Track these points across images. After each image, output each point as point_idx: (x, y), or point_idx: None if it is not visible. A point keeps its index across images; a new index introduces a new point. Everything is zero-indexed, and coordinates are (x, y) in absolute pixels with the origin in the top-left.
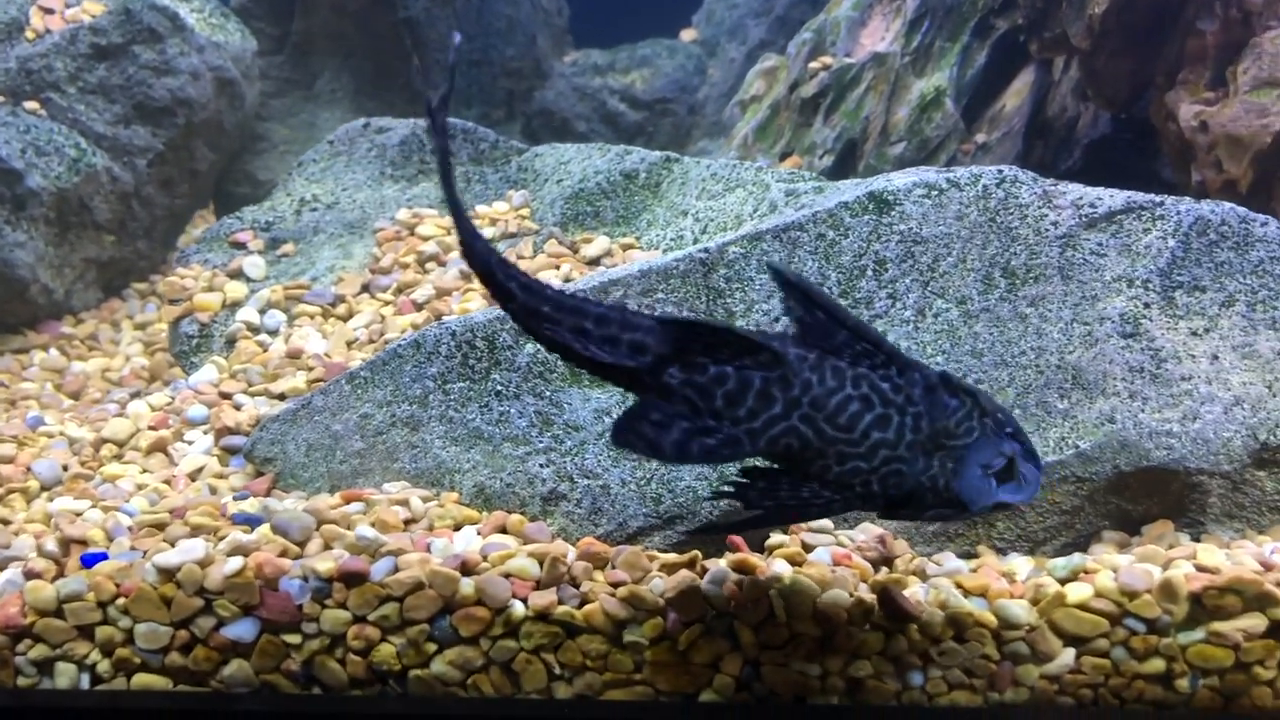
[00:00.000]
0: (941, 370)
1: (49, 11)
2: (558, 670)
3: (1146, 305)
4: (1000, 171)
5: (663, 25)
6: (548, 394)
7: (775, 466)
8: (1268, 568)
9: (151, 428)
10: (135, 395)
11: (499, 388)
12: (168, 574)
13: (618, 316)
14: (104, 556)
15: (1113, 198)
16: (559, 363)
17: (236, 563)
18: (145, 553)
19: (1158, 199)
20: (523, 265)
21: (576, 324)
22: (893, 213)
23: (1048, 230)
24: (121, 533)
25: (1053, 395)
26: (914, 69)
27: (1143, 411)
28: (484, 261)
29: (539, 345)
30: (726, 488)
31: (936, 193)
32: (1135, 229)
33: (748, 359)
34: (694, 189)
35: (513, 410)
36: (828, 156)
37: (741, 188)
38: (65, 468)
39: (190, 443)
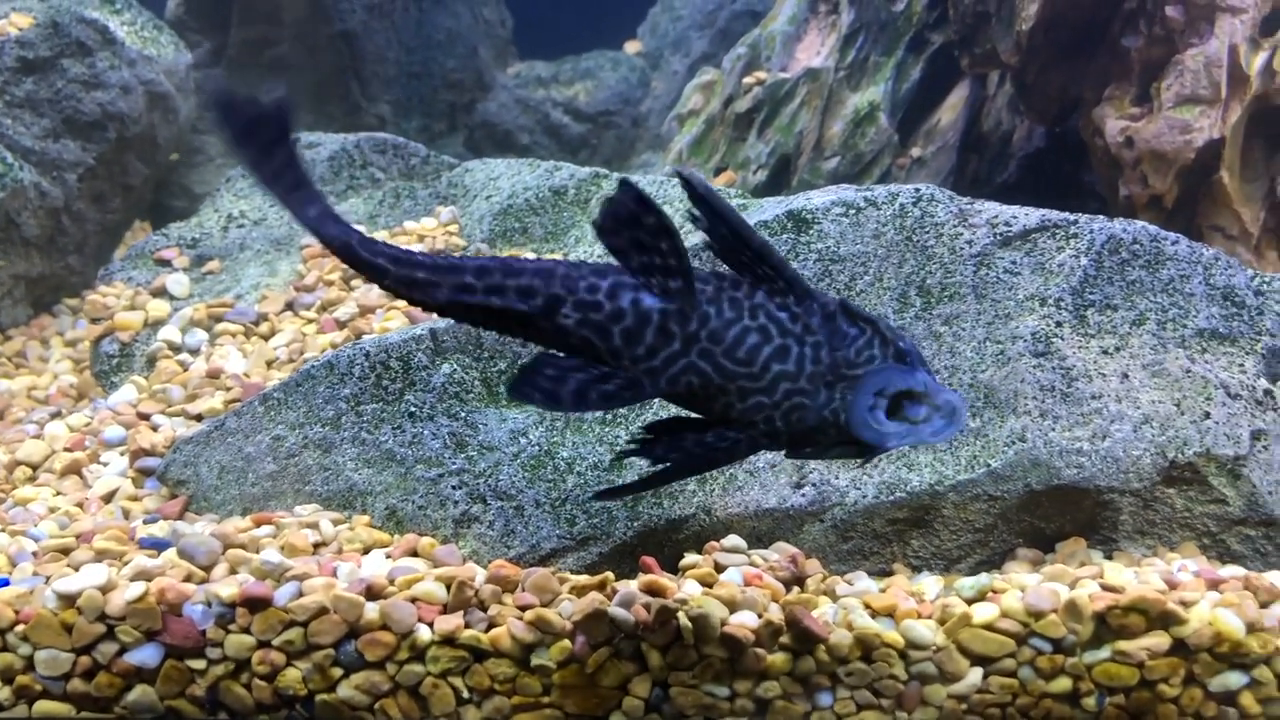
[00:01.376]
0: (841, 298)
1: None
2: (466, 694)
3: (1058, 324)
4: (917, 190)
5: (607, 37)
6: (462, 415)
7: (678, 418)
8: (1172, 586)
9: (67, 449)
10: (55, 415)
11: (413, 409)
12: (68, 600)
13: (498, 265)
14: (5, 583)
15: (1027, 216)
16: (475, 383)
17: (139, 588)
18: (48, 579)
19: (1071, 218)
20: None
21: (457, 281)
22: (811, 231)
23: (963, 249)
24: (25, 558)
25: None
26: (849, 83)
27: (1053, 430)
28: (343, 245)
29: (421, 308)
30: (631, 445)
31: (854, 211)
32: (1049, 247)
33: (660, 279)
34: None
35: (426, 431)
36: (761, 171)
37: (669, 205)
38: None
39: (105, 464)
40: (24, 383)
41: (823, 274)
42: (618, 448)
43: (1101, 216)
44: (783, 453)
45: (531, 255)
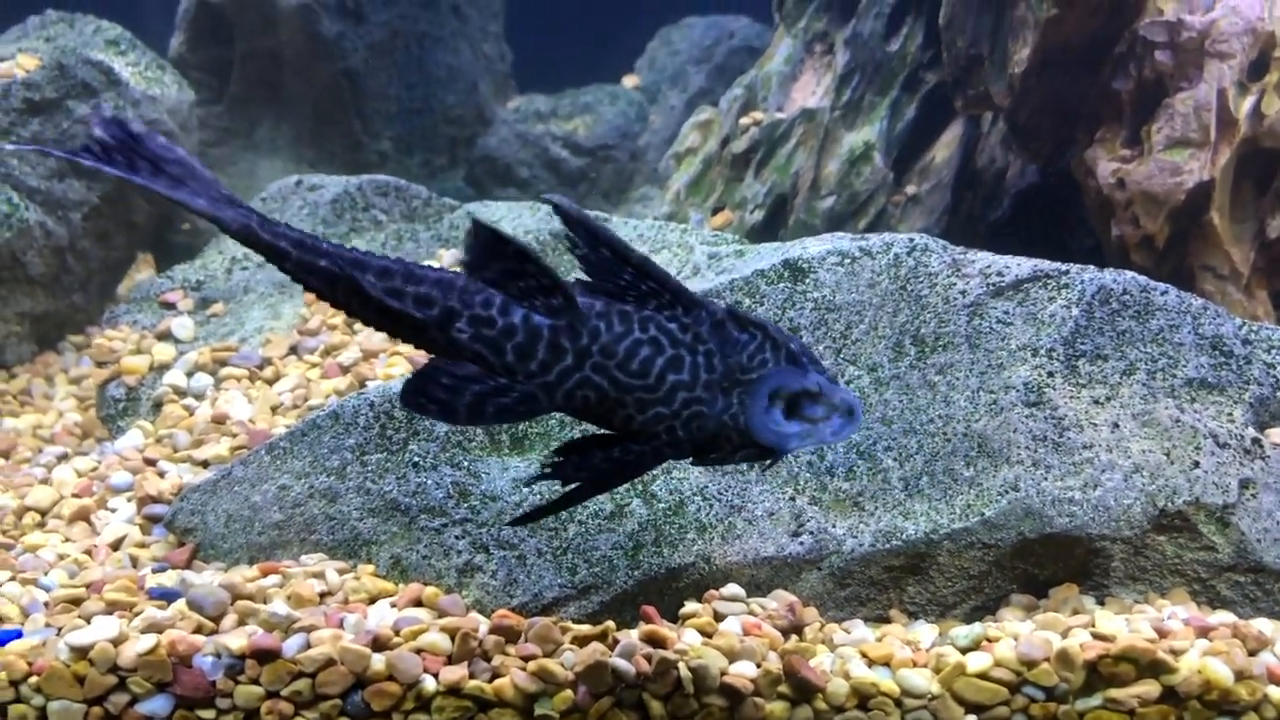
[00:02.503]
0: (729, 305)
1: None
2: None
3: (1050, 374)
4: (911, 240)
5: (605, 71)
6: (465, 464)
7: (586, 438)
8: (1163, 634)
9: (75, 495)
10: (63, 458)
11: (416, 459)
12: (81, 652)
13: (401, 269)
14: (18, 634)
15: (1020, 266)
16: (477, 433)
17: (150, 640)
18: (59, 630)
19: (1063, 268)
20: None
21: (358, 276)
22: (807, 280)
23: (956, 299)
24: (37, 609)
25: (959, 463)
26: (844, 123)
27: (1046, 479)
28: (242, 227)
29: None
30: (542, 470)
31: (850, 260)
32: (1041, 297)
33: (540, 298)
34: None
35: (430, 481)
36: (759, 211)
37: (667, 249)
38: None
39: (113, 510)
40: (29, 421)
41: (819, 322)
42: (617, 495)
43: (1092, 267)
44: (690, 462)
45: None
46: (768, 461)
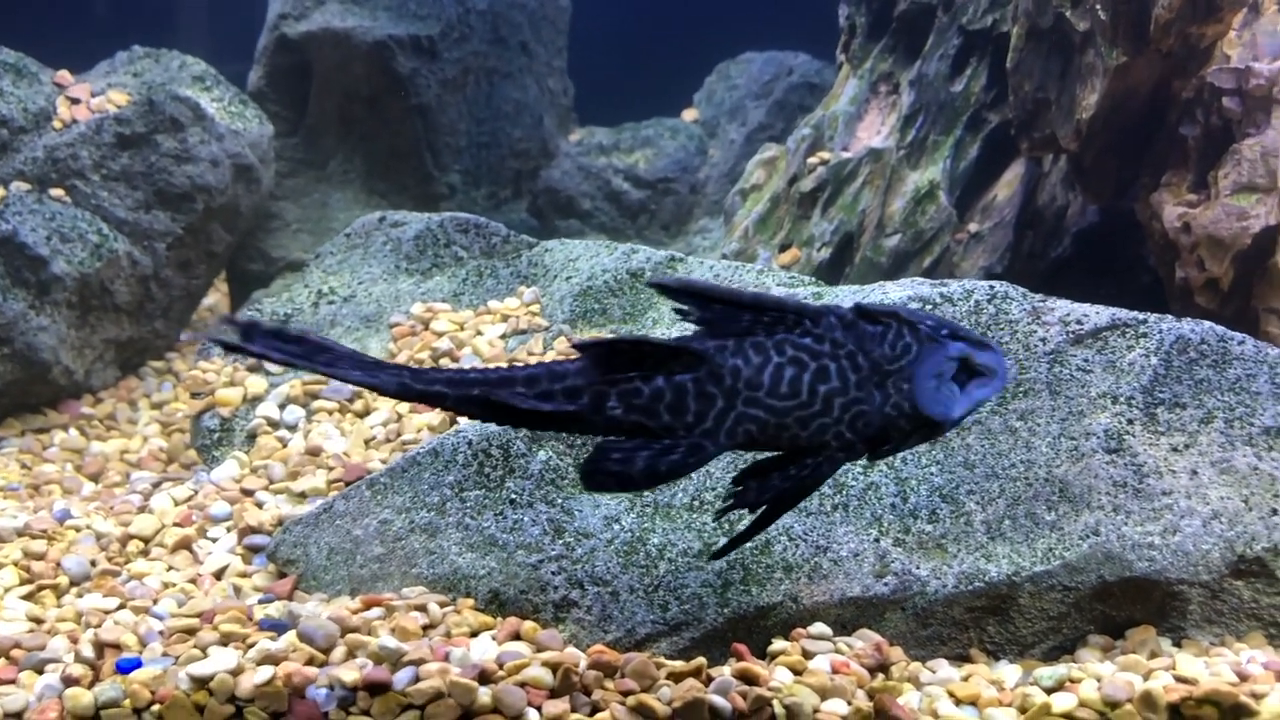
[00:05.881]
0: (856, 303)
1: (75, 101)
2: None
3: (1130, 421)
4: (992, 287)
5: (665, 104)
6: (559, 501)
7: (761, 462)
8: (1243, 678)
9: (177, 524)
10: (158, 485)
11: (513, 496)
12: (201, 682)
13: (543, 372)
14: (139, 663)
15: (1098, 315)
16: (570, 470)
17: (266, 672)
18: (178, 659)
19: (1141, 316)
20: (533, 361)
21: (510, 392)
22: None
23: (1036, 346)
24: (154, 638)
25: (1041, 507)
26: (909, 162)
27: (1126, 524)
28: (399, 385)
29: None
30: (727, 502)
31: (930, 306)
32: (1120, 346)
33: (672, 364)
34: None
35: (526, 518)
36: (825, 249)
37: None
38: (93, 563)
39: (214, 540)
40: (116, 445)
41: None
42: (705, 534)
43: (1170, 316)
44: (866, 460)
45: (609, 334)
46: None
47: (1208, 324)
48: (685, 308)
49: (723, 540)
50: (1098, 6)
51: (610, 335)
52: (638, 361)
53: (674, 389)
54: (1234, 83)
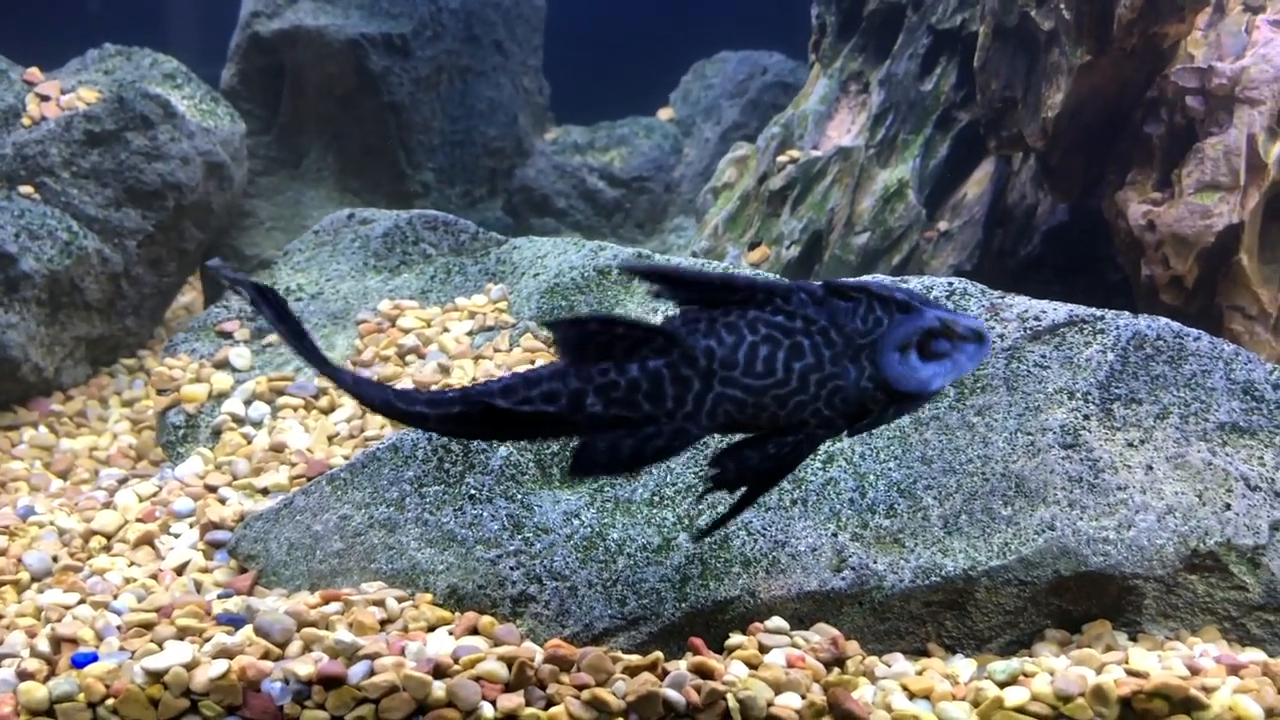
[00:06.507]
0: (825, 280)
1: (45, 99)
2: None
3: (1086, 417)
4: (950, 284)
5: (643, 103)
6: (519, 497)
7: (737, 442)
8: (1194, 671)
9: (140, 520)
10: (123, 482)
11: (473, 491)
12: (155, 676)
13: (518, 380)
14: (94, 657)
15: (1056, 311)
16: (530, 466)
17: (221, 666)
18: (134, 654)
19: (1098, 313)
20: (499, 359)
21: (488, 403)
22: None
23: (995, 342)
24: (111, 632)
25: (997, 502)
26: (878, 161)
27: (1081, 520)
28: (384, 402)
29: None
30: (707, 484)
31: None
32: (1077, 342)
33: (644, 348)
34: None
35: (485, 513)
36: (794, 247)
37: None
38: (55, 559)
39: (177, 536)
40: (85, 442)
41: None
42: (665, 529)
43: (1127, 313)
44: (846, 434)
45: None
46: (917, 408)
47: (1164, 320)
48: (659, 289)
49: (682, 536)
50: (1062, 6)
51: (581, 314)
52: (610, 345)
53: (650, 377)
54: (1197, 82)
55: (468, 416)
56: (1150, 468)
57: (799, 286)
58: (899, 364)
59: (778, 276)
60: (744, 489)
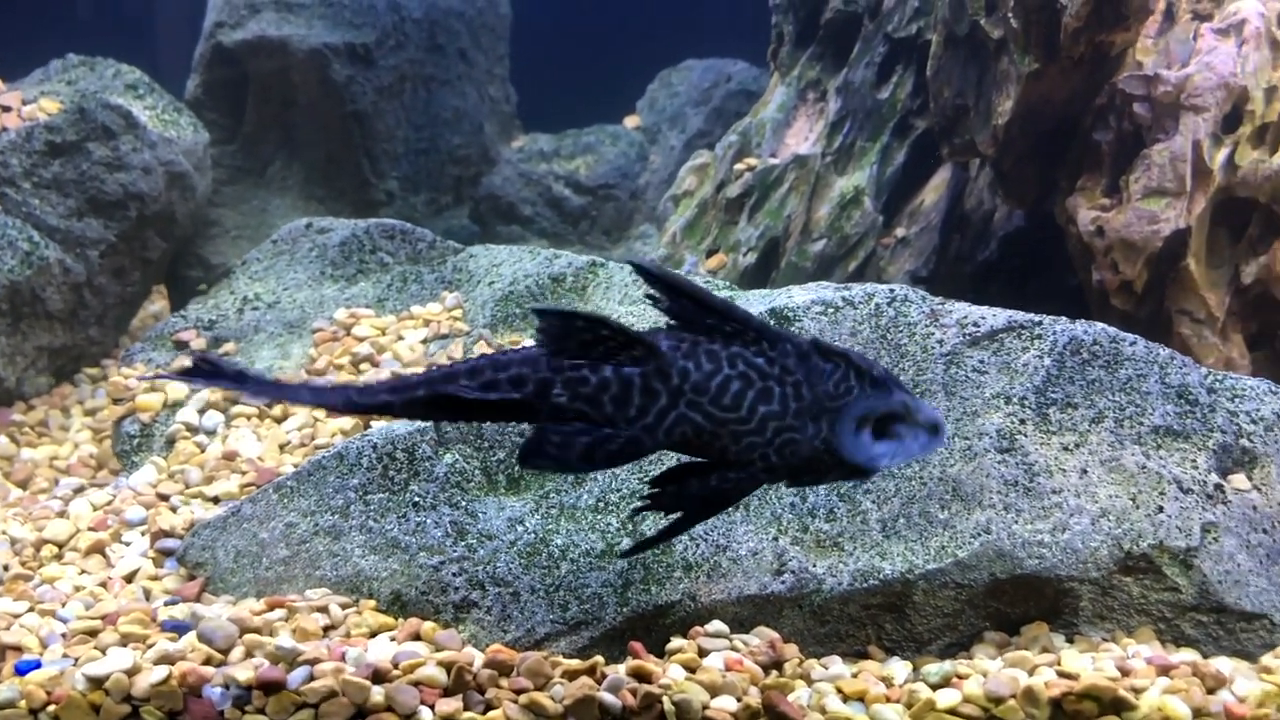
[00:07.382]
0: (813, 337)
1: (5, 109)
2: None
3: (1022, 421)
4: (892, 291)
5: (610, 111)
6: (464, 504)
7: (680, 467)
8: (1125, 673)
9: (91, 528)
10: (79, 491)
11: (417, 499)
12: (96, 682)
13: (487, 362)
14: (38, 664)
15: (995, 317)
16: (476, 473)
17: (162, 671)
18: (77, 660)
19: (1036, 319)
20: None
21: (455, 386)
22: (792, 328)
23: (934, 348)
24: (55, 640)
25: (934, 506)
26: (835, 168)
27: (1016, 523)
28: (346, 401)
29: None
30: (643, 502)
31: (833, 310)
32: (1015, 347)
33: (623, 354)
34: (617, 293)
35: (429, 520)
36: (751, 254)
37: None
38: (6, 568)
39: (128, 544)
40: (46, 452)
41: None
42: (608, 535)
43: (1064, 318)
44: (785, 486)
45: (532, 341)
46: (860, 479)
47: (1100, 325)
48: (656, 294)
49: (627, 541)
50: (1010, 15)
51: (570, 308)
52: (591, 344)
53: (620, 381)
54: (1143, 89)
55: (433, 399)
56: (1085, 471)
57: (788, 337)
58: (853, 435)
59: (774, 324)
60: (677, 514)
